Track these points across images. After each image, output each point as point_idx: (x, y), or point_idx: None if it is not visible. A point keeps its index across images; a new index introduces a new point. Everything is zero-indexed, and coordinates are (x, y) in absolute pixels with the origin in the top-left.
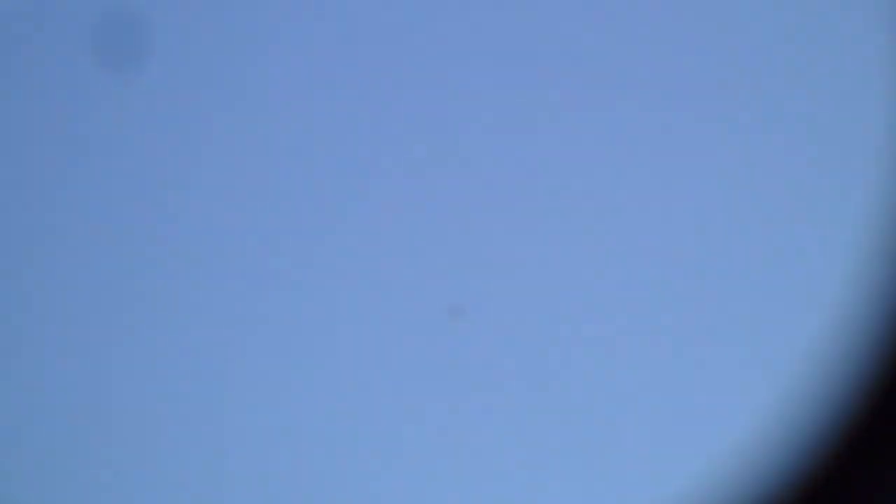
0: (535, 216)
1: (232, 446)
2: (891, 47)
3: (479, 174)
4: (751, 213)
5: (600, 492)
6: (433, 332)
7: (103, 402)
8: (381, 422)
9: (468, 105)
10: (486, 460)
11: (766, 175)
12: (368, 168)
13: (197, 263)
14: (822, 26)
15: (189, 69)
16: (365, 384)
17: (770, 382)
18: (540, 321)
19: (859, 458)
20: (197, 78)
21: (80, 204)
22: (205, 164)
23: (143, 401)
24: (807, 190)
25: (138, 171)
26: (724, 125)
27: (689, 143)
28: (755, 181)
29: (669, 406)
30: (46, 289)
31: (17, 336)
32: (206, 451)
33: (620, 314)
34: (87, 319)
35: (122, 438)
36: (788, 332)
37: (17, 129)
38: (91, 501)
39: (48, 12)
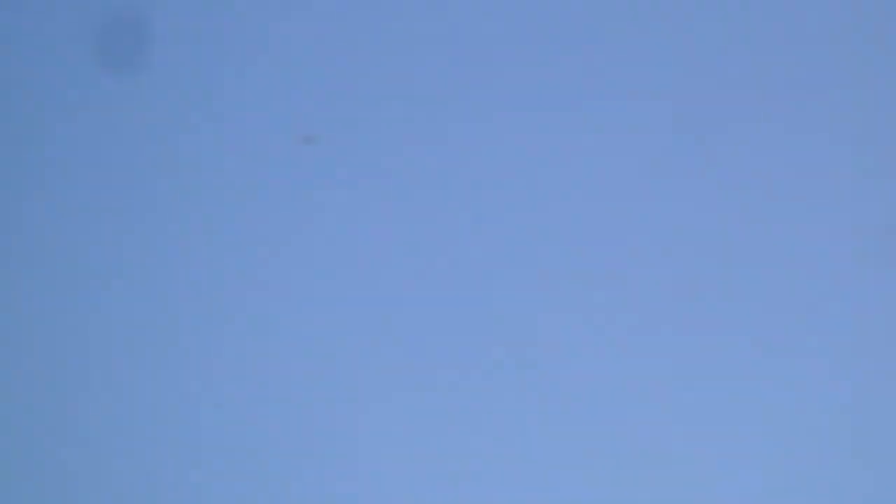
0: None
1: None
2: None
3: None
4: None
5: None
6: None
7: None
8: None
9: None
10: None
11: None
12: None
13: (195, 262)
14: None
15: (189, 72)
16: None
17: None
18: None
19: None
20: (197, 80)
21: (79, 205)
22: (203, 165)
23: (134, 404)
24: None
25: (137, 172)
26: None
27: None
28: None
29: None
30: (44, 289)
31: (16, 335)
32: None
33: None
34: (83, 319)
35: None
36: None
37: (18, 131)
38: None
39: (49, 14)
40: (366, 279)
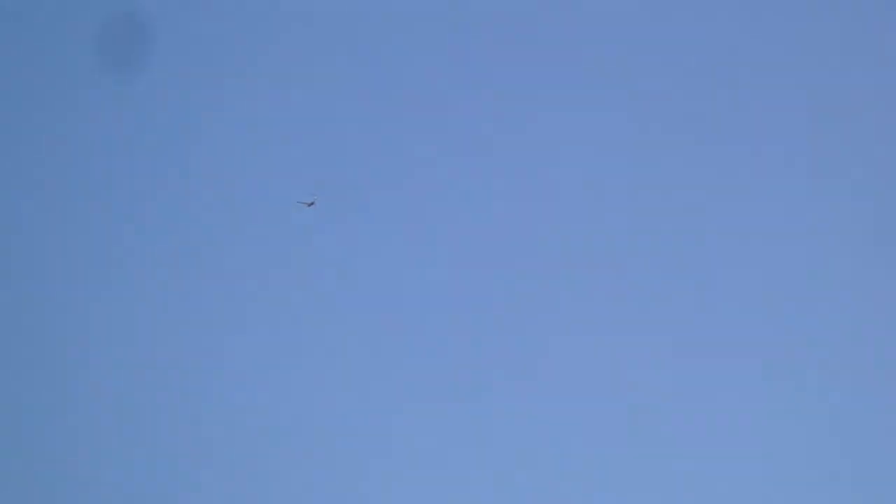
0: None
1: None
2: None
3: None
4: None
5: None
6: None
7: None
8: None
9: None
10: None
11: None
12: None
13: (194, 260)
14: None
15: (188, 73)
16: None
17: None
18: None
19: None
20: (196, 81)
21: (78, 202)
22: (202, 164)
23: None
24: None
25: (137, 171)
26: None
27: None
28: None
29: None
30: (43, 287)
31: (15, 332)
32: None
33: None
34: (81, 317)
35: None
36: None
37: (18, 130)
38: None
39: (51, 15)
40: (363, 310)
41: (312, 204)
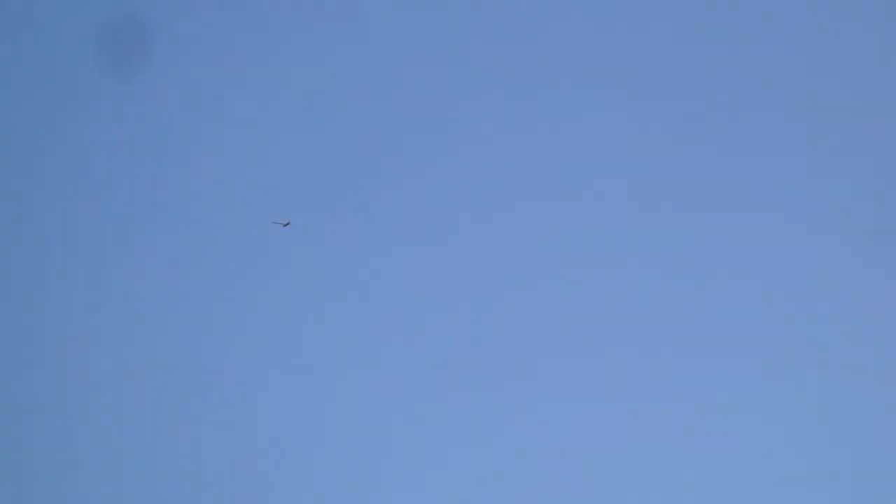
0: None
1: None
2: None
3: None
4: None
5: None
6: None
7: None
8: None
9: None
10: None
11: None
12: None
13: (194, 261)
14: None
15: (188, 73)
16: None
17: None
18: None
19: None
20: (196, 81)
21: (78, 202)
22: (202, 164)
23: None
24: None
25: (137, 171)
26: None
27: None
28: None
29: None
30: (43, 285)
31: (15, 332)
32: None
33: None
34: (80, 317)
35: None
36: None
37: (18, 130)
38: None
39: (51, 15)
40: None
41: (288, 224)
